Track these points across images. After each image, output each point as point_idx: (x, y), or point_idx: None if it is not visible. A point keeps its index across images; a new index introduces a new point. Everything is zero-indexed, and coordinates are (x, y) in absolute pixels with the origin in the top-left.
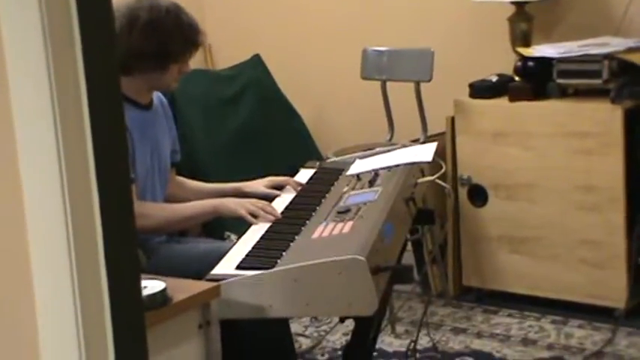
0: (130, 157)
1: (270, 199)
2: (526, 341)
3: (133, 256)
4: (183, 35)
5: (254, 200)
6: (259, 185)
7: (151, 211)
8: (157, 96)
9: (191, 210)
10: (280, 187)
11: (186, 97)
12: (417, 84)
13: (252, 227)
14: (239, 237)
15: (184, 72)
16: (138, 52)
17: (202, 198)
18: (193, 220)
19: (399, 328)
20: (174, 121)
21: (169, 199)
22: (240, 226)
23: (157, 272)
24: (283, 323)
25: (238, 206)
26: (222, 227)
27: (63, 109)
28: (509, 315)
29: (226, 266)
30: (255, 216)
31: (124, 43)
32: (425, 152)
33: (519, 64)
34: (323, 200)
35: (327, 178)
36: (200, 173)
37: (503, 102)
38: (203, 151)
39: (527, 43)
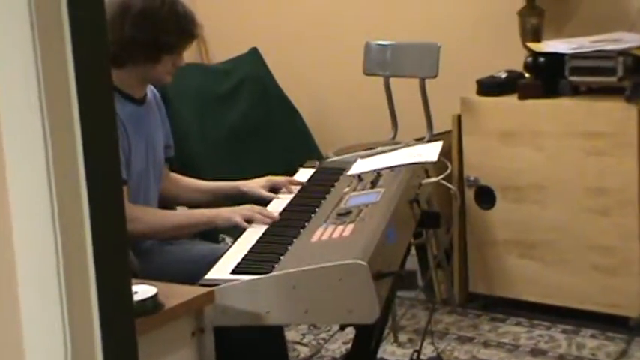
0: (125, 154)
1: (267, 203)
2: (535, 351)
3: (123, 259)
4: (178, 26)
5: (249, 206)
6: (257, 185)
7: (141, 215)
8: (150, 89)
9: (185, 219)
10: (278, 188)
11: (180, 91)
12: (423, 80)
13: (249, 230)
14: (234, 240)
15: (178, 65)
16: (130, 43)
17: (197, 196)
18: (186, 230)
19: (402, 337)
20: (167, 116)
21: (162, 196)
22: (236, 229)
23: (148, 276)
24: (278, 330)
25: (233, 214)
26: (217, 229)
27: (51, 104)
28: (518, 323)
29: (221, 270)
30: (250, 221)
31: (116, 33)
32: (430, 152)
33: (529, 60)
34: (323, 202)
35: (328, 178)
36: (193, 172)
37: (512, 100)
38: (196, 148)
39: (537, 38)
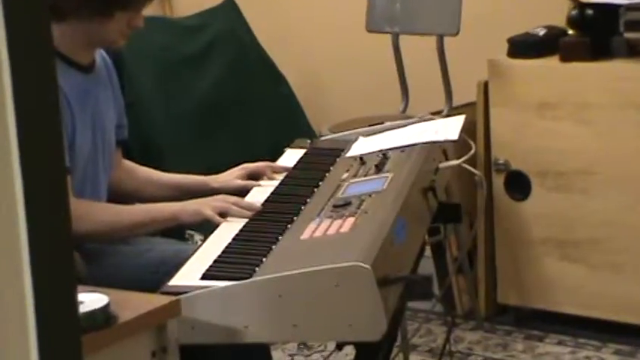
0: (68, 136)
1: (246, 194)
2: None
3: (67, 262)
4: None
5: (222, 196)
6: (231, 177)
7: (88, 211)
8: (99, 54)
9: (142, 215)
10: (257, 177)
11: (137, 55)
12: (440, 39)
13: (223, 225)
14: (205, 237)
15: (135, 26)
16: None
17: (157, 191)
18: (143, 229)
19: (415, 358)
20: (120, 88)
21: (115, 188)
22: (207, 223)
23: (97, 283)
24: (262, 351)
25: (202, 206)
26: (183, 226)
27: None
28: (560, 342)
29: (188, 276)
30: (224, 215)
31: None
32: (449, 128)
33: (574, 13)
34: (315, 190)
35: (322, 161)
36: (154, 156)
37: (552, 62)
38: (158, 126)
39: None
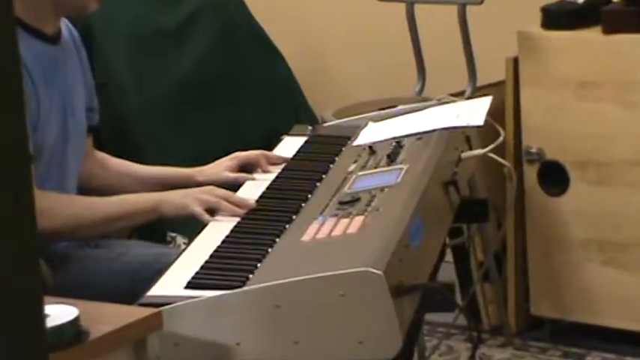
0: (32, 118)
1: (237, 189)
2: None
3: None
4: None
5: (210, 188)
6: (220, 169)
7: (54, 204)
8: (65, 26)
9: (118, 207)
10: (250, 168)
11: (107, 28)
12: (463, 7)
13: (211, 225)
14: (190, 240)
15: None
16: None
17: (133, 186)
18: (119, 223)
19: None
20: (90, 65)
21: (85, 183)
22: (192, 223)
23: (66, 293)
24: None
25: (188, 200)
26: (164, 225)
27: None
28: None
29: (171, 284)
30: (213, 211)
31: None
32: (473, 112)
33: None
34: (318, 184)
35: (325, 150)
36: (129, 147)
37: (593, 35)
38: (133, 111)
39: None
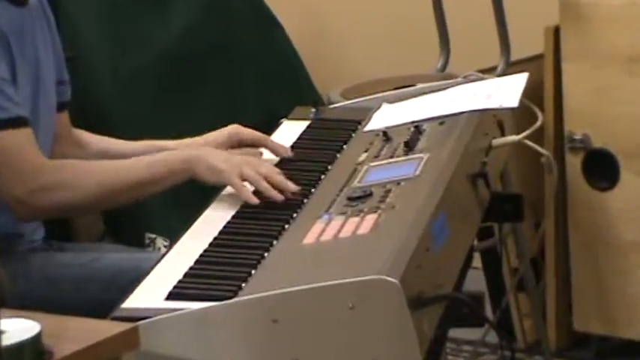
0: (12, 81)
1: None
2: None
3: None
4: None
5: (254, 161)
6: (217, 146)
7: (75, 175)
8: None
9: (145, 170)
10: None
11: None
12: None
13: (197, 223)
14: (172, 242)
15: None
16: None
17: None
18: (151, 188)
19: None
20: (59, 33)
21: None
22: (174, 222)
23: (26, 304)
24: None
25: (228, 165)
26: (141, 225)
27: None
28: None
29: (150, 295)
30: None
31: None
32: (506, 91)
33: None
34: (323, 176)
35: (331, 137)
36: (101, 130)
37: None
38: (107, 88)
39: None
